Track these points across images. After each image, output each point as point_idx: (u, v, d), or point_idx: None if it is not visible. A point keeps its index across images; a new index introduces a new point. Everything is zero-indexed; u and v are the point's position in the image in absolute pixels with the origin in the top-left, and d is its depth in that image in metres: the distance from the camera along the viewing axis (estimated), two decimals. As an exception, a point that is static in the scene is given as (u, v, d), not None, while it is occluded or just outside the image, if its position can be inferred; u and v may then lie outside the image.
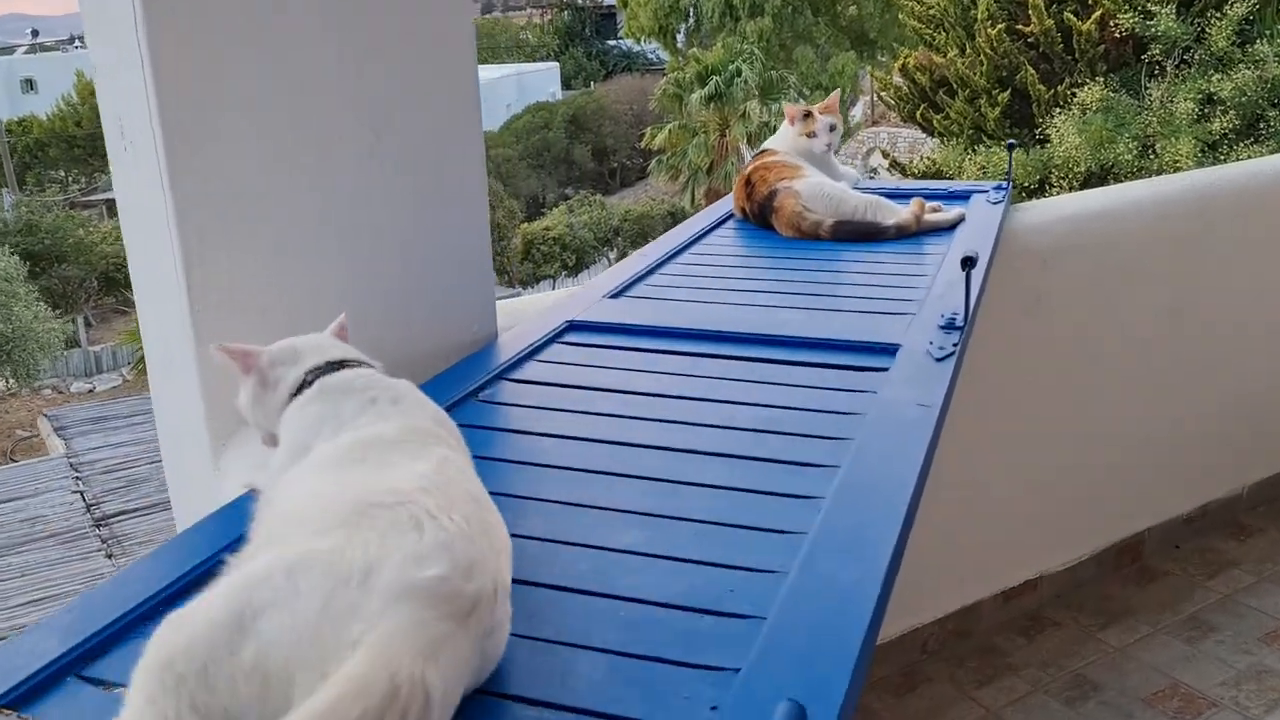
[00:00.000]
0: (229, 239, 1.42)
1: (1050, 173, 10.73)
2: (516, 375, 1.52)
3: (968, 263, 1.57)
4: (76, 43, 60.39)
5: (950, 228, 2.30)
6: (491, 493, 0.97)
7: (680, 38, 29.16)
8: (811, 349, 1.59)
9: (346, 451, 0.95)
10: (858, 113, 27.79)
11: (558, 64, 42.73)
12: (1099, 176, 10.22)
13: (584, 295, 1.86)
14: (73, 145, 42.27)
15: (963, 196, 2.58)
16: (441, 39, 1.57)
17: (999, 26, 11.57)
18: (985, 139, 12.08)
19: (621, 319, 1.72)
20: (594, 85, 39.55)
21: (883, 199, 2.33)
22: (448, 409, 1.36)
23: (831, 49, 25.90)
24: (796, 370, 1.52)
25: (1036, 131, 11.27)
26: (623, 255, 24.74)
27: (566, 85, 41.97)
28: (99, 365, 19.46)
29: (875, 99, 21.82)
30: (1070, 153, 10.45)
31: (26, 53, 54.91)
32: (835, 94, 2.67)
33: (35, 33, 60.23)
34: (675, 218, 25.25)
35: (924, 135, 15.96)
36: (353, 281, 1.54)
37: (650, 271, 2.02)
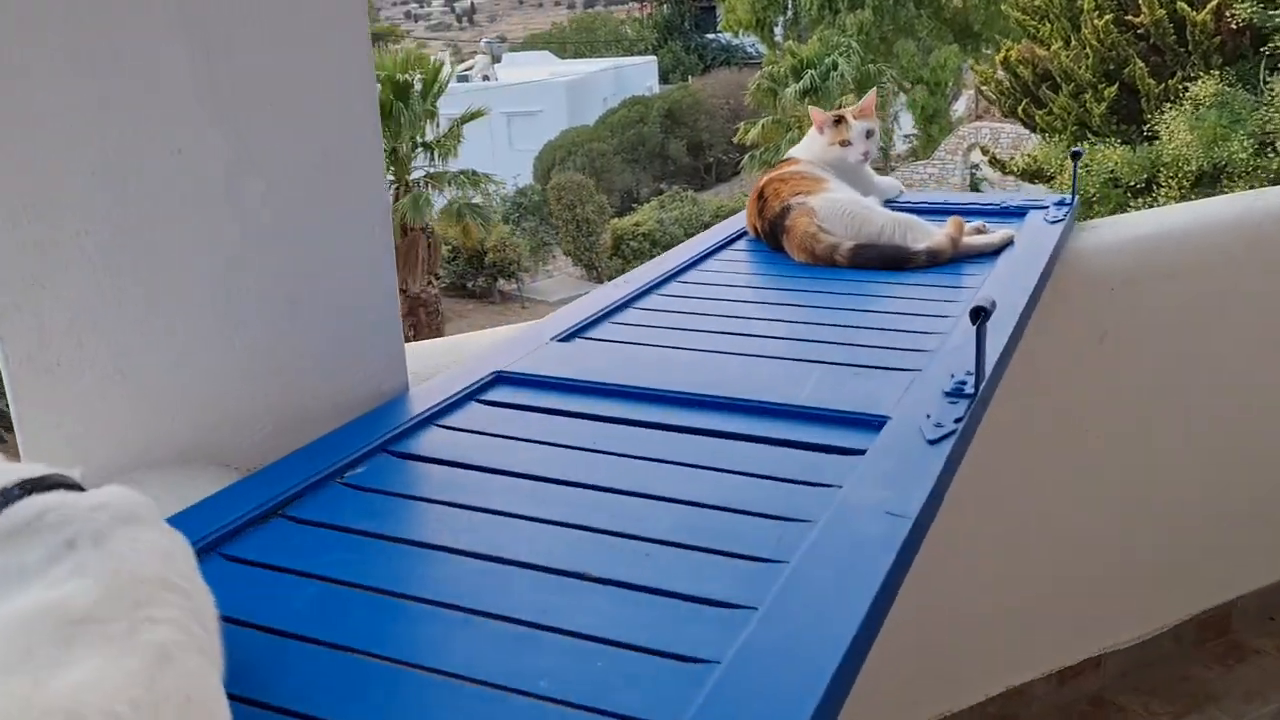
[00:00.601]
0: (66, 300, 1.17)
1: (1158, 172, 10.07)
2: (402, 448, 1.24)
3: (979, 314, 1.23)
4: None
5: (995, 252, 1.95)
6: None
7: (778, 31, 28.66)
8: (777, 418, 1.27)
9: (6, 639, 0.66)
10: (960, 107, 26.93)
11: (655, 58, 42.48)
12: (1211, 176, 9.55)
13: (527, 337, 1.56)
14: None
15: (1017, 213, 2.21)
16: (328, 44, 1.29)
17: (1106, 17, 10.92)
18: (1090, 135, 11.45)
19: (559, 371, 1.43)
20: (691, 79, 39.21)
21: (915, 219, 1.99)
22: (297, 496, 1.09)
23: (934, 42, 25.09)
24: (746, 450, 1.20)
25: (1144, 128, 10.60)
26: (713, 252, 24.41)
27: (664, 79, 41.72)
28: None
29: (978, 93, 21.03)
30: (1181, 150, 9.78)
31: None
32: (871, 95, 2.33)
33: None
34: (768, 214, 24.71)
35: (1027, 131, 15.28)
36: (231, 334, 1.27)
37: (622, 306, 1.72)
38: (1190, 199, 10.12)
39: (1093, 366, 2.20)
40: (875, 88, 2.41)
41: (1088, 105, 11.33)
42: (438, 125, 19.18)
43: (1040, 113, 12.34)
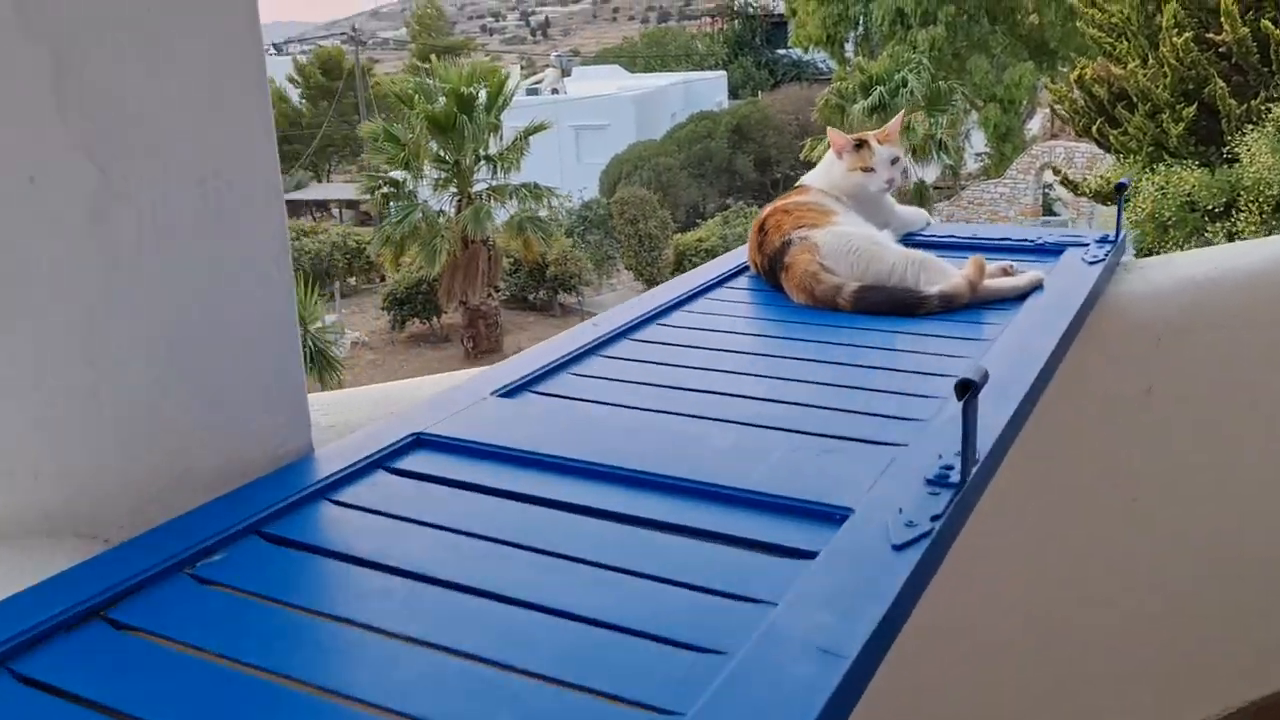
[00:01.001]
0: None
1: (1238, 196, 9.62)
2: (277, 530, 1.06)
3: (966, 390, 1.02)
4: (271, 49, 63.75)
5: (1020, 296, 1.72)
6: None
7: (849, 47, 28.32)
8: (723, 504, 1.07)
9: None
10: (1035, 125, 26.37)
11: (725, 73, 42.33)
12: (1295, 202, 9.10)
13: (466, 390, 1.38)
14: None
15: (1053, 251, 1.98)
16: (212, 41, 1.12)
17: (1186, 35, 10.50)
18: (1166, 156, 11.01)
19: (490, 434, 1.24)
20: (761, 95, 38.98)
21: (932, 258, 1.77)
22: (130, 592, 0.92)
23: (1008, 59, 24.57)
24: (677, 547, 1.00)
25: (1224, 150, 10.16)
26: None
27: (734, 94, 41.55)
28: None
29: (1052, 112, 20.50)
30: (1263, 174, 9.33)
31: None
32: (898, 119, 2.11)
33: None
34: (833, 232, 24.33)
35: (1102, 151, 14.81)
36: (98, 388, 1.11)
37: (586, 353, 1.53)
38: (1271, 225, 9.65)
39: (1135, 426, 1.95)
40: (902, 113, 2.19)
41: (1165, 126, 10.89)
42: (501, 138, 19.17)
43: (1115, 133, 11.91)
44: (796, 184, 2.13)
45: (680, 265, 23.07)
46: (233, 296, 1.15)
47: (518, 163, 19.13)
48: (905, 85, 20.20)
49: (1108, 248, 1.94)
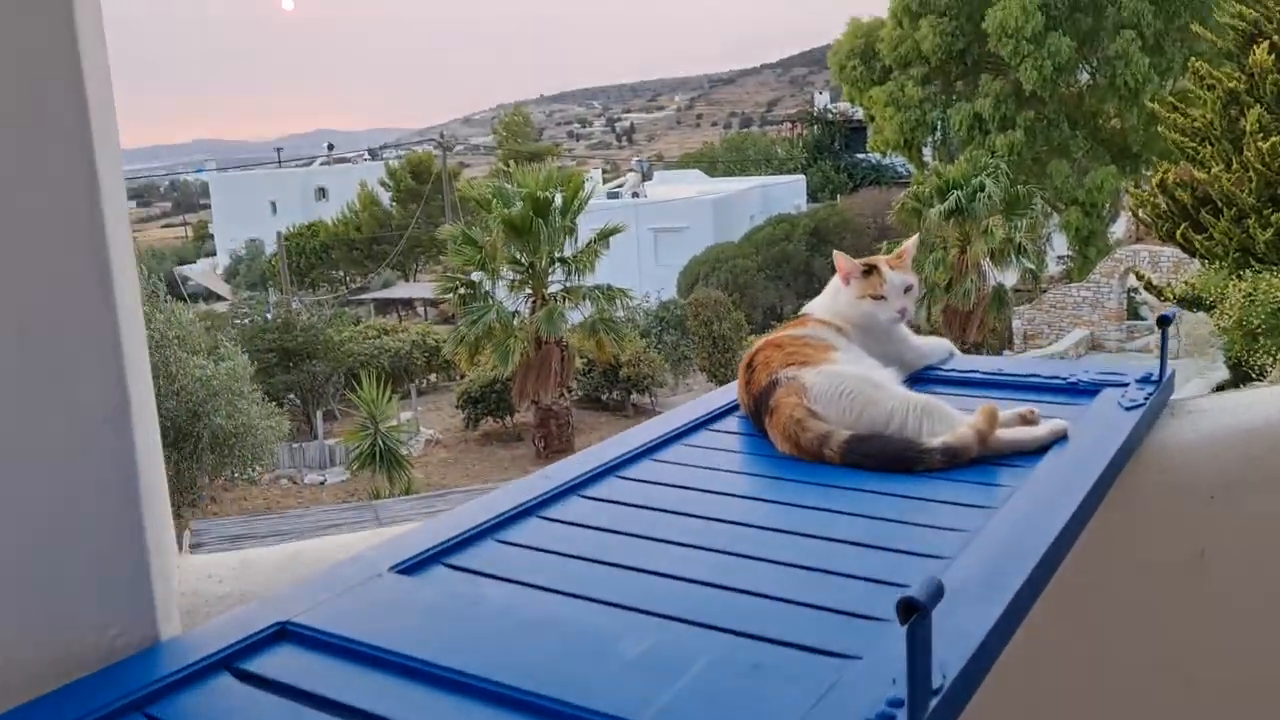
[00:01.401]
0: None
1: (1332, 308, 9.15)
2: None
3: (911, 612, 0.81)
4: (366, 155, 66.17)
5: (1038, 450, 1.49)
6: None
7: (927, 151, 28.25)
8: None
9: None
10: (1119, 229, 25.84)
11: (804, 177, 42.58)
12: (1395, 313, 8.61)
13: (359, 566, 1.19)
14: (351, 248, 45.94)
15: (1088, 391, 1.74)
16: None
17: (1272, 139, 10.15)
18: (1254, 262, 10.57)
19: (366, 627, 1.04)
20: (839, 198, 39.04)
21: (939, 405, 1.55)
22: None
23: (1090, 163, 24.20)
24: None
25: (1316, 258, 9.72)
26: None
27: (813, 198, 41.73)
28: (332, 458, 20.24)
29: (1135, 216, 20.05)
30: (1359, 283, 8.87)
31: (323, 164, 60.68)
32: (911, 243, 1.92)
33: (331, 146, 66.57)
34: (910, 336, 23.92)
35: (1189, 255, 14.35)
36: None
37: (520, 515, 1.33)
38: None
39: (1187, 597, 1.68)
40: (915, 237, 1.99)
41: (1251, 230, 10.48)
42: (576, 241, 19.35)
43: (1200, 238, 11.52)
44: (799, 313, 1.93)
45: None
46: (53, 465, 0.99)
47: (591, 265, 19.26)
48: (983, 189, 19.96)
49: (1150, 389, 1.69)
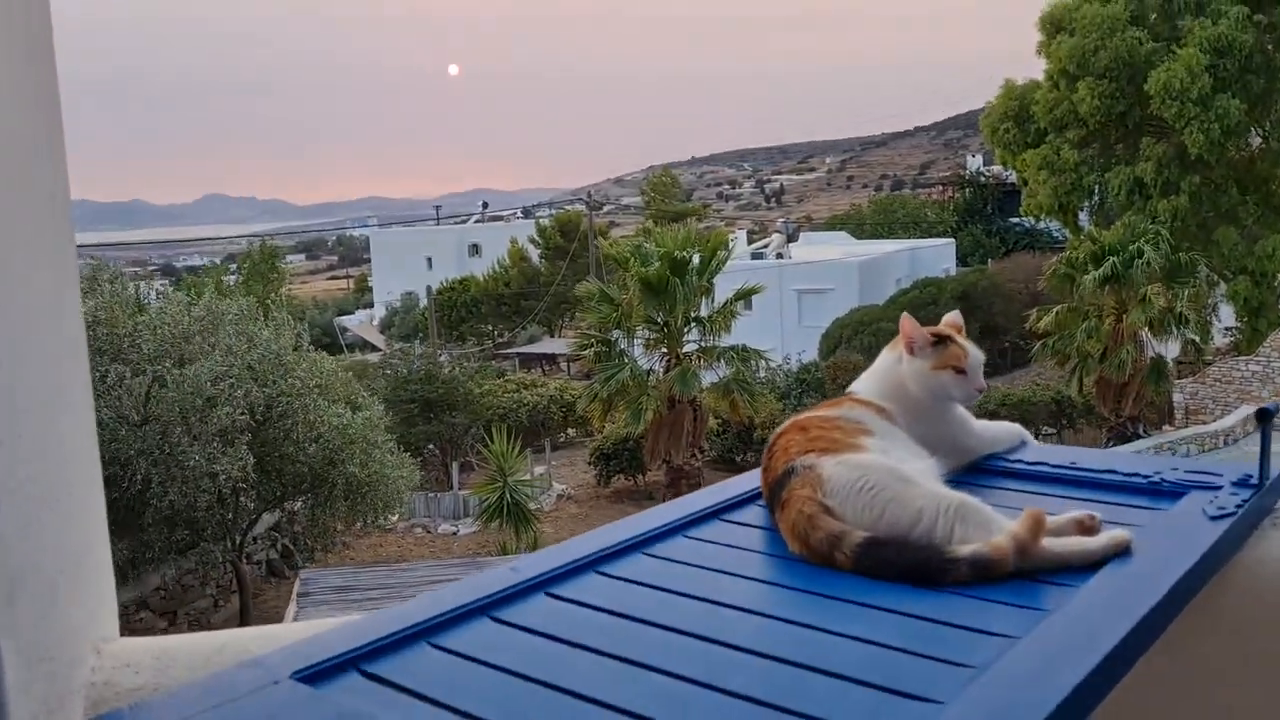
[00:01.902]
0: None
1: None
2: None
3: None
4: (518, 213, 68.00)
5: (1091, 566, 1.27)
6: None
7: (1083, 215, 27.21)
8: None
9: None
10: (1298, 300, 24.22)
11: (954, 240, 41.63)
12: None
13: (257, 671, 1.06)
14: (500, 303, 47.07)
15: (1171, 493, 1.50)
16: None
17: None
18: None
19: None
20: (990, 262, 37.98)
21: (978, 506, 1.34)
22: None
23: (1261, 230, 22.83)
24: None
25: None
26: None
27: (963, 261, 40.75)
28: (466, 509, 20.50)
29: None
30: None
31: (477, 221, 62.70)
32: (955, 316, 1.72)
33: (485, 205, 68.75)
34: (1060, 405, 22.96)
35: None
36: None
37: (463, 616, 1.18)
38: None
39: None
40: (957, 312, 1.77)
41: None
42: (712, 301, 19.26)
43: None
44: (847, 390, 1.74)
45: (894, 435, 22.14)
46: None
47: (727, 325, 19.11)
48: (1141, 256, 19.02)
49: (1245, 494, 1.44)
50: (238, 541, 13.69)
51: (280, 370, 12.94)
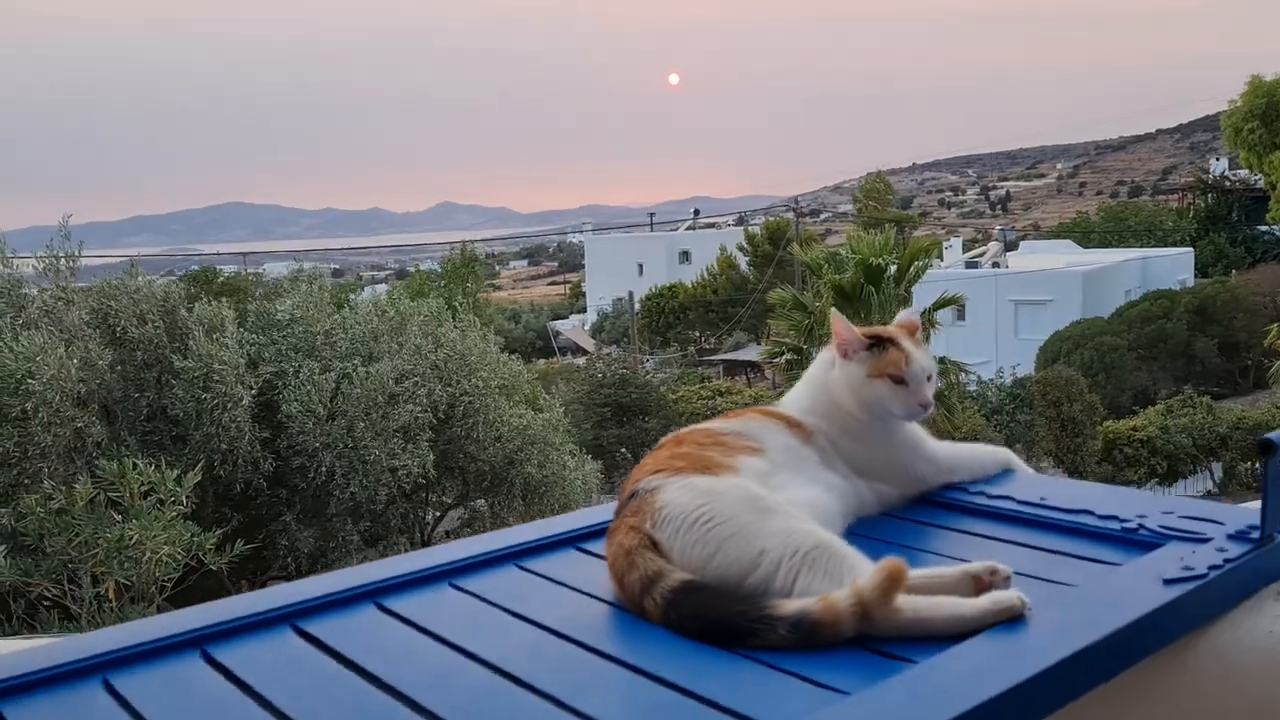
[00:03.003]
0: None
1: None
2: None
3: None
4: (729, 220, 68.10)
5: (958, 636, 0.98)
6: None
7: (1341, 222, 24.67)
8: None
9: None
10: None
11: (1192, 250, 38.60)
12: None
13: None
14: (708, 309, 47.12)
15: (1146, 543, 1.17)
16: None
17: None
18: None
19: None
20: (1233, 273, 35.00)
21: (840, 551, 1.07)
22: None
23: None
24: None
25: None
26: (1229, 471, 20.79)
27: (1203, 272, 37.78)
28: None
29: None
30: None
31: (688, 229, 63.16)
32: (912, 313, 1.42)
33: (697, 212, 69.20)
34: (1303, 433, 20.69)
35: None
36: None
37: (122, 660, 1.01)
38: None
39: None
40: (914, 308, 1.46)
41: None
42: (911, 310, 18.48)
43: None
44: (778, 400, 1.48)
45: (1109, 455, 20.68)
46: None
47: (925, 335, 18.32)
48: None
49: (1236, 550, 1.10)
50: (425, 535, 14.16)
51: (465, 370, 13.29)
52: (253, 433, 10.86)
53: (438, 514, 14.39)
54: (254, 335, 11.77)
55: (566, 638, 0.98)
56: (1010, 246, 40.54)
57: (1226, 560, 1.07)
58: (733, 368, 40.50)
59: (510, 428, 13.35)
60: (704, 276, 48.41)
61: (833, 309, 1.42)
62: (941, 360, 18.59)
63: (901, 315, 1.44)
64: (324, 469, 11.41)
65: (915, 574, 1.02)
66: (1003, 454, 1.51)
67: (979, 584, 1.04)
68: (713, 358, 42.66)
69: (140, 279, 11.25)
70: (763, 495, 1.14)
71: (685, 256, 56.02)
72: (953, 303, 18.86)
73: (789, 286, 21.65)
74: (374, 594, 1.11)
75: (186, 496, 8.07)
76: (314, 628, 1.04)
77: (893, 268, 18.24)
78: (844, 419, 1.34)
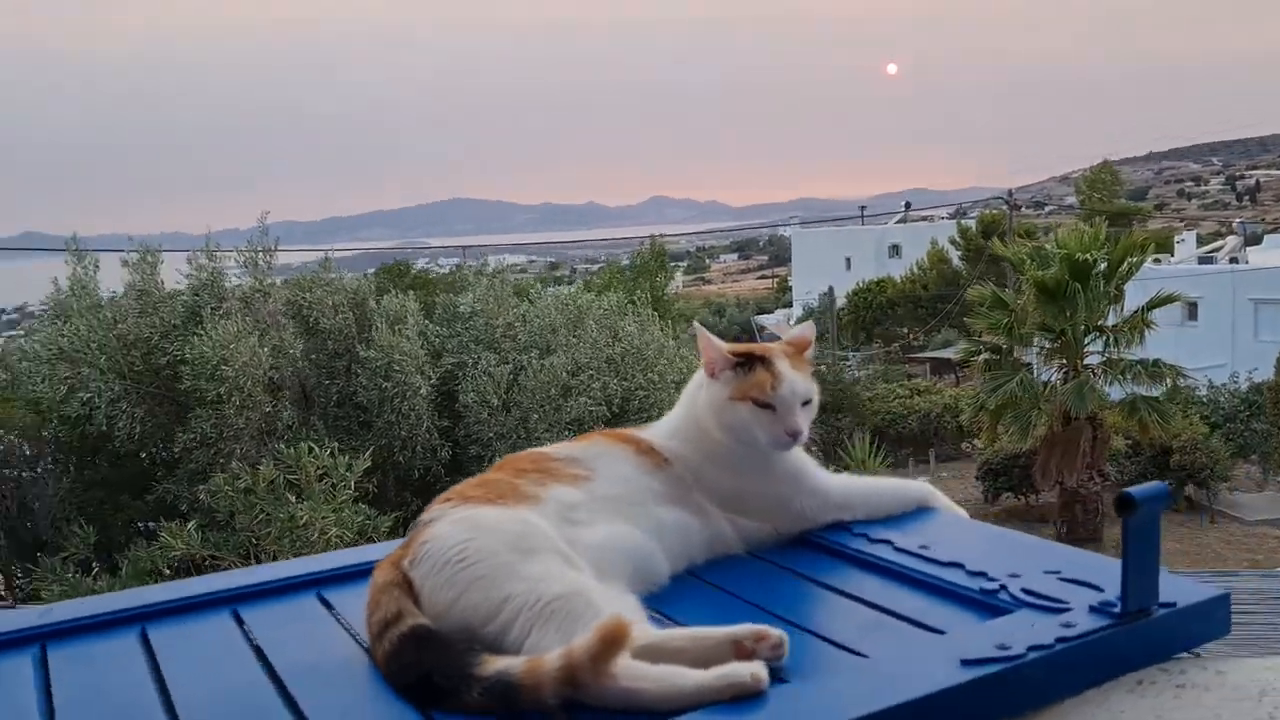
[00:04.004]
0: None
1: None
2: None
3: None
4: (944, 213, 65.88)
5: (682, 709, 0.85)
6: None
7: None
8: None
9: None
10: None
11: None
12: None
13: None
14: (916, 305, 45.71)
15: (996, 608, 1.00)
16: None
17: None
18: None
19: None
20: None
21: (584, 606, 0.96)
22: None
23: None
24: None
25: None
26: None
27: None
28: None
29: None
30: None
31: (898, 222, 61.52)
32: (809, 329, 1.27)
33: (908, 205, 67.22)
34: None
35: None
36: None
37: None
38: None
39: None
40: (811, 321, 1.28)
41: None
42: (1121, 309, 17.29)
43: None
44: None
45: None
46: None
47: (1138, 336, 17.07)
48: None
49: (1086, 625, 0.91)
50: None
51: (641, 364, 13.35)
52: (432, 421, 11.24)
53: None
54: (439, 327, 12.18)
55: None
56: (1253, 240, 37.35)
57: (1060, 640, 0.88)
58: (939, 366, 39.16)
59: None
60: (913, 271, 46.99)
61: (695, 321, 1.28)
62: (1156, 363, 17.32)
63: (794, 331, 1.29)
64: (498, 459, 11.70)
65: (675, 633, 0.89)
66: (921, 490, 1.32)
67: (740, 650, 0.90)
68: (919, 355, 41.36)
69: (332, 274, 11.79)
70: (535, 534, 1.03)
71: (895, 250, 54.57)
72: (1170, 301, 17.53)
73: (987, 283, 20.65)
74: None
75: (364, 480, 8.40)
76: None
77: (1103, 264, 17.12)
78: (710, 445, 1.21)
